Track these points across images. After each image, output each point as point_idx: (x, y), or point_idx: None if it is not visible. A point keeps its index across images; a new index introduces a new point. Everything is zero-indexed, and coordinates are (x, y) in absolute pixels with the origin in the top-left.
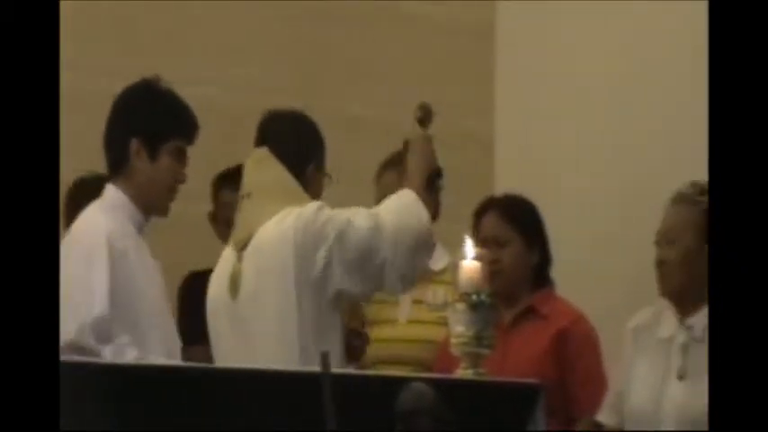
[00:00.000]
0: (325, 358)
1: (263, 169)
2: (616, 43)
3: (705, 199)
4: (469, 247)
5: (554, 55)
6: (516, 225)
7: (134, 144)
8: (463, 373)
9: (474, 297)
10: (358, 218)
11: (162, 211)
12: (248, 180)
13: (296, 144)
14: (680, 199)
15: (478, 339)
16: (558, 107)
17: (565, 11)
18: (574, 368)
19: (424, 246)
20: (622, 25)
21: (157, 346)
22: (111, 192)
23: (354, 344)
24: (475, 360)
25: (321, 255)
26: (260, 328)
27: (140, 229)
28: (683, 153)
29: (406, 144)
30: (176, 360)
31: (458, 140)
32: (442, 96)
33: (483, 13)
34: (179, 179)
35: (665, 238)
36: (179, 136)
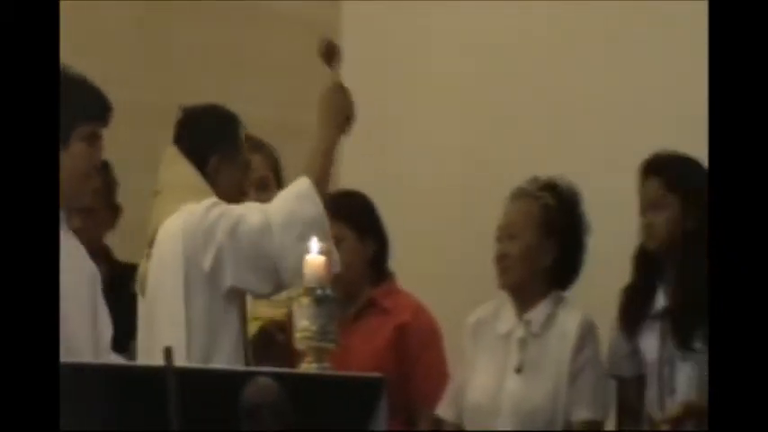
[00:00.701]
0: (168, 353)
1: (170, 166)
2: (461, 41)
3: (545, 194)
4: (314, 242)
5: (403, 52)
6: (346, 221)
7: None
8: (307, 367)
9: (319, 291)
10: (250, 213)
11: (79, 199)
12: (159, 178)
13: (197, 138)
14: (520, 194)
15: (323, 334)
16: (405, 104)
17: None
18: (416, 362)
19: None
20: (469, 22)
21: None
22: None
23: (278, 338)
24: (319, 354)
25: (210, 252)
26: (159, 327)
27: (64, 222)
28: (523, 150)
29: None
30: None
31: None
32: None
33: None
34: (94, 164)
35: (505, 234)
36: (89, 120)
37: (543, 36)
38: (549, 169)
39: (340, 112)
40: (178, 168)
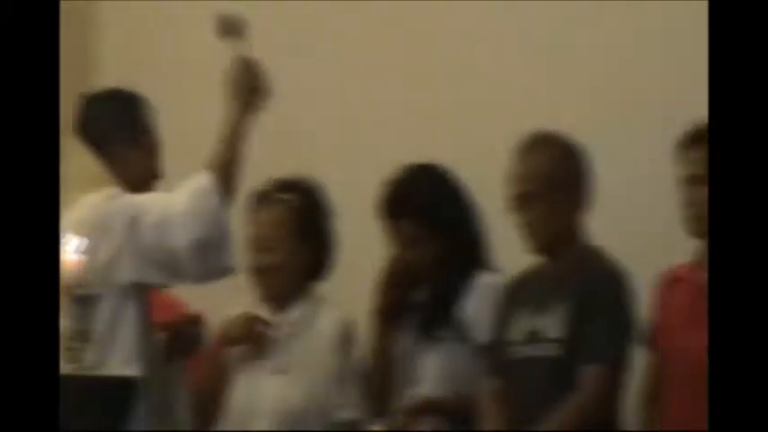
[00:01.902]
0: None
1: (70, 158)
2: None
3: (288, 196)
4: (72, 241)
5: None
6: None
7: None
8: (65, 367)
9: (78, 291)
10: (150, 205)
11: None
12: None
13: (97, 126)
14: (264, 200)
15: (81, 334)
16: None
17: None
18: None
19: (216, 238)
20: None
21: None
22: None
23: (192, 333)
24: (76, 354)
25: (107, 245)
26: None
27: None
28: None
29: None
30: None
31: None
32: None
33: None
34: None
35: (261, 246)
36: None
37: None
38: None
39: (243, 90)
40: (77, 159)
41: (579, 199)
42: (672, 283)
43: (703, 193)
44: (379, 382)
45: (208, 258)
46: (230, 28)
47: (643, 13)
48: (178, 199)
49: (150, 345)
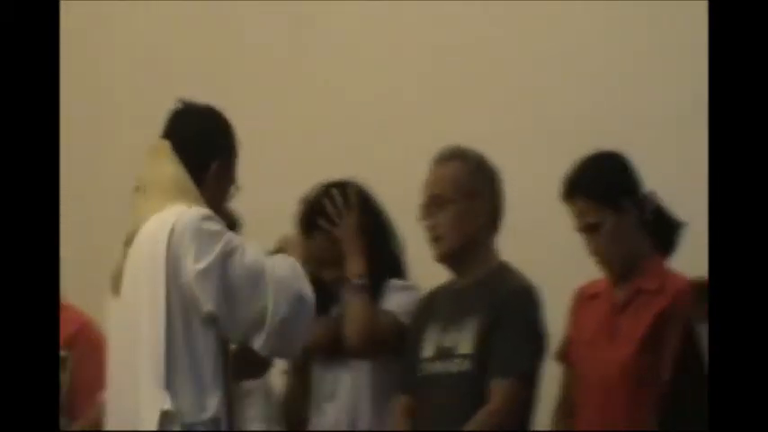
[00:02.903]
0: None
1: (158, 163)
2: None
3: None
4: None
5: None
6: None
7: None
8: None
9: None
10: (249, 247)
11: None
12: (143, 173)
13: (198, 138)
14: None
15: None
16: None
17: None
18: None
19: (303, 311)
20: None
21: None
22: None
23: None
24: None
25: (198, 264)
26: (134, 331)
27: None
28: None
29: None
30: None
31: None
32: None
33: None
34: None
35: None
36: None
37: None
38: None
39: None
40: (168, 166)
41: (488, 212)
42: (587, 298)
43: (593, 241)
44: (294, 396)
45: (286, 331)
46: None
47: (558, 30)
48: (279, 262)
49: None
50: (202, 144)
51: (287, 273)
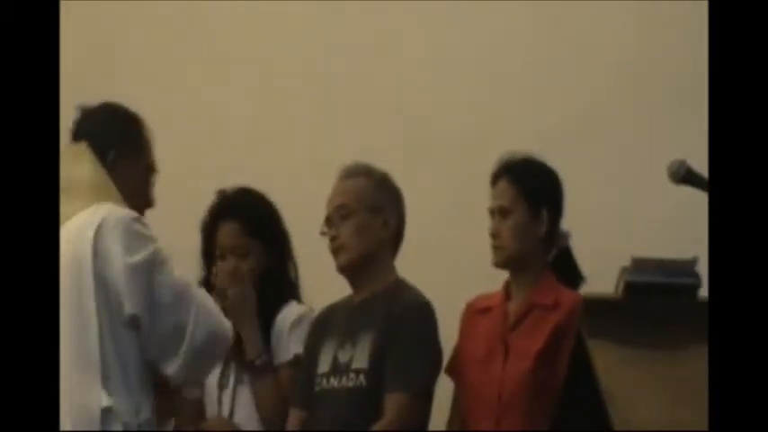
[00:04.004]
0: None
1: (76, 163)
2: None
3: None
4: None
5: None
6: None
7: None
8: None
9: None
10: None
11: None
12: (63, 176)
13: (97, 133)
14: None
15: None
16: None
17: None
18: None
19: (219, 345)
20: None
21: None
22: None
23: None
24: None
25: (127, 258)
26: (62, 334)
27: None
28: None
29: None
30: None
31: None
32: None
33: None
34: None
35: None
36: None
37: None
38: None
39: None
40: (85, 165)
41: (390, 228)
42: (478, 312)
43: (502, 225)
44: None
45: (198, 359)
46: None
47: (439, 45)
48: (205, 293)
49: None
50: (101, 137)
51: (211, 303)
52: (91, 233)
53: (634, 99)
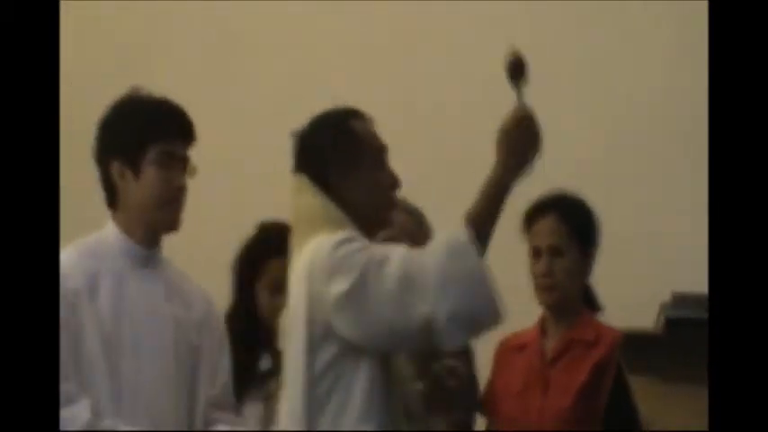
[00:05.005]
0: None
1: (296, 199)
2: None
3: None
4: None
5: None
6: None
7: (115, 167)
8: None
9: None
10: (392, 259)
11: (168, 226)
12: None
13: (315, 158)
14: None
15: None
16: None
17: None
18: None
19: (478, 303)
20: None
21: (110, 403)
22: (106, 229)
23: (448, 384)
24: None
25: (336, 293)
26: (286, 377)
27: (145, 263)
28: None
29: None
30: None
31: None
32: None
33: None
34: (176, 186)
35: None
36: (160, 141)
37: None
38: None
39: (520, 150)
40: (304, 198)
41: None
42: (513, 349)
43: (554, 265)
44: None
45: (468, 327)
46: (518, 70)
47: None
48: (428, 260)
49: (391, 399)
50: (319, 160)
51: (444, 267)
52: (302, 275)
53: (667, 125)
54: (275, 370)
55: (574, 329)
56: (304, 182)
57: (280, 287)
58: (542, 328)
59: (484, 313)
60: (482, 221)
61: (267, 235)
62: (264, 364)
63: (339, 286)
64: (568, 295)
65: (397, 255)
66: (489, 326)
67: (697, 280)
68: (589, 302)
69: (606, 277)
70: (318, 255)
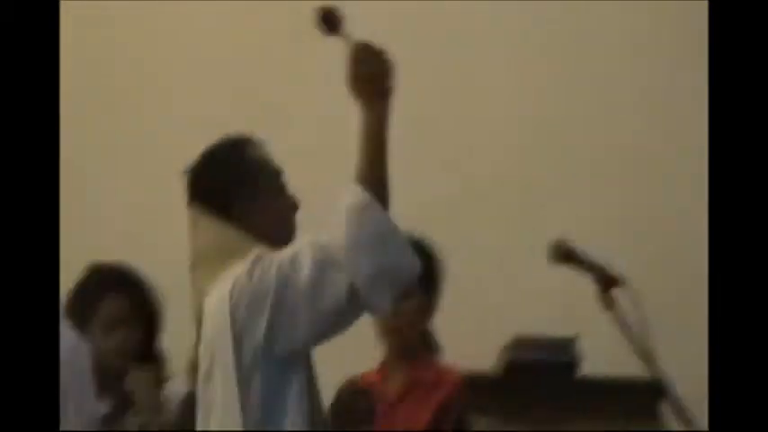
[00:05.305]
0: None
1: (195, 232)
2: None
3: None
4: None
5: None
6: None
7: None
8: None
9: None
10: (300, 256)
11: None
12: (190, 250)
13: (212, 188)
14: None
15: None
16: None
17: None
18: None
19: (392, 250)
20: None
21: None
22: None
23: (360, 406)
24: None
25: (262, 318)
26: (213, 416)
27: None
28: None
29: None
30: None
31: None
32: None
33: None
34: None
35: None
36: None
37: None
38: None
39: (374, 84)
40: (206, 232)
41: None
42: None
43: (401, 307)
44: None
45: (391, 284)
46: (332, 20)
47: None
48: (338, 229)
49: (320, 418)
50: (217, 189)
51: (350, 235)
52: (223, 309)
53: (521, 172)
54: (117, 413)
55: (416, 371)
56: (205, 215)
57: (113, 326)
58: (384, 370)
59: (403, 266)
60: (371, 174)
61: (98, 276)
62: (103, 407)
63: (265, 309)
64: (411, 337)
65: (304, 245)
66: (409, 278)
67: (538, 323)
68: (429, 344)
69: (448, 319)
70: (237, 287)
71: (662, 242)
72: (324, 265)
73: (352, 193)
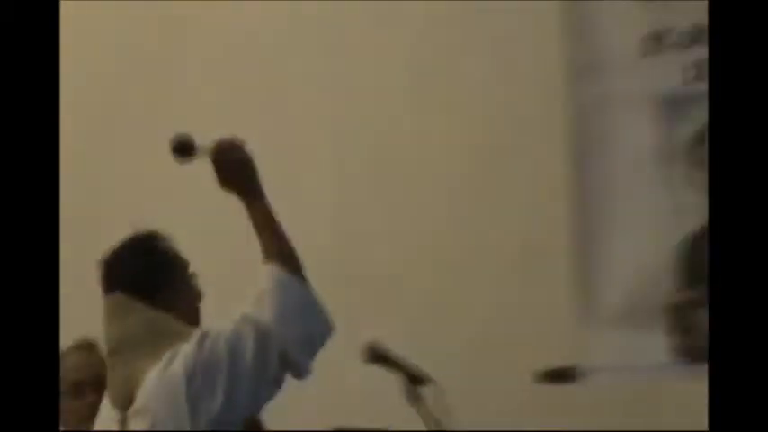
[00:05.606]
0: None
1: (120, 318)
2: None
3: None
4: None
5: None
6: None
7: None
8: None
9: None
10: (241, 328)
11: None
12: (109, 335)
13: (138, 275)
14: None
15: None
16: None
17: None
18: None
19: (315, 316)
20: None
21: None
22: None
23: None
24: None
25: (218, 390)
26: None
27: None
28: None
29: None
30: None
31: None
32: None
33: None
34: None
35: None
36: None
37: None
38: None
39: (238, 174)
40: (132, 316)
41: None
42: None
43: None
44: None
45: (315, 347)
46: (186, 148)
47: None
48: (264, 307)
49: None
50: (143, 277)
51: (276, 309)
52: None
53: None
54: None
55: None
56: (131, 302)
57: None
58: None
59: (324, 331)
60: (275, 250)
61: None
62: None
63: (219, 379)
64: None
65: (239, 321)
66: (327, 339)
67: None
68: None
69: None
70: (189, 360)
71: None
72: (261, 336)
73: (270, 273)
